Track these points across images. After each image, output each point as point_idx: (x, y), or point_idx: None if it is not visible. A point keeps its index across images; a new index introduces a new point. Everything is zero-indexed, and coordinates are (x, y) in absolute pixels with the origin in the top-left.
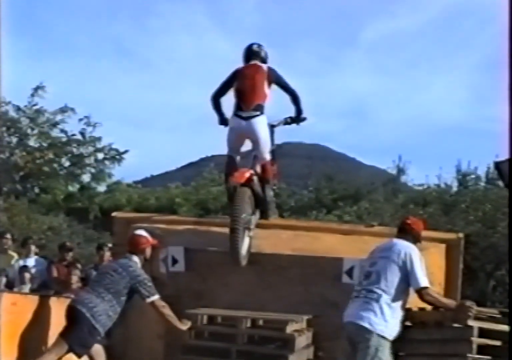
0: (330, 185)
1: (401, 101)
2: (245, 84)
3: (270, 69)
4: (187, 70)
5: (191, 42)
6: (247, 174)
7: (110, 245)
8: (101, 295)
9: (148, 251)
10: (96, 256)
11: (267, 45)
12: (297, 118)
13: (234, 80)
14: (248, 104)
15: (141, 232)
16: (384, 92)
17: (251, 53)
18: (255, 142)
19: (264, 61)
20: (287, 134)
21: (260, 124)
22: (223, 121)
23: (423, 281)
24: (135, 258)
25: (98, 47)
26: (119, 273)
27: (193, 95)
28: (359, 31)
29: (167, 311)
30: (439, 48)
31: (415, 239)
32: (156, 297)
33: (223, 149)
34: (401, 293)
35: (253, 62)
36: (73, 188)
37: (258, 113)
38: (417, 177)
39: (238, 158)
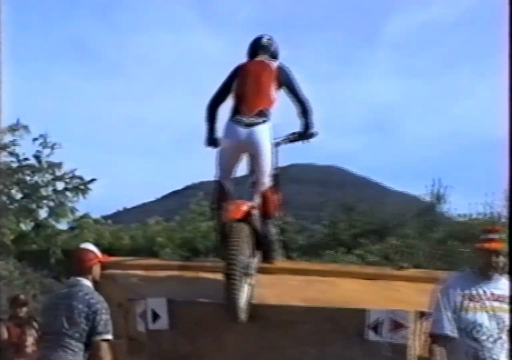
0: (349, 218)
1: (435, 111)
2: (248, 83)
3: (280, 68)
4: (166, 75)
5: (171, 41)
6: (245, 208)
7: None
8: (63, 345)
9: (97, 270)
10: None
11: None
12: (305, 134)
13: (235, 79)
14: (250, 108)
15: (88, 246)
16: (413, 99)
17: (258, 47)
18: (255, 158)
19: (274, 57)
20: (295, 154)
21: (263, 134)
22: (212, 141)
23: None
24: (86, 282)
25: (54, 49)
26: (76, 307)
27: (174, 107)
28: (381, 24)
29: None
30: (481, 44)
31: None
32: (109, 337)
33: (213, 174)
34: None
35: (260, 58)
36: (26, 226)
37: (261, 120)
38: (459, 205)
39: (229, 184)
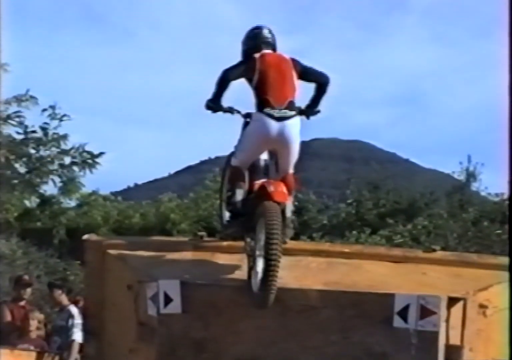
0: (375, 196)
1: (469, 82)
2: (272, 75)
3: (293, 59)
4: (179, 42)
5: (184, 5)
6: (284, 190)
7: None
8: None
9: None
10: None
11: (287, 8)
12: (310, 110)
13: (253, 70)
14: (279, 99)
15: None
16: (445, 69)
17: (261, 41)
18: (284, 153)
19: (274, 50)
20: (318, 128)
21: (296, 128)
22: (215, 105)
23: None
24: None
25: (61, 13)
26: None
27: (189, 77)
28: None
29: None
30: None
31: None
32: None
33: (231, 148)
34: None
35: (266, 51)
36: (31, 203)
37: (293, 113)
38: (493, 184)
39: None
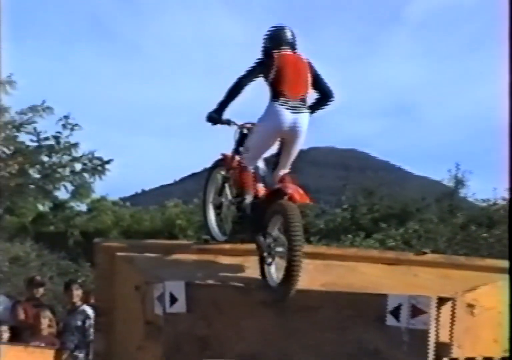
0: (369, 202)
1: (458, 94)
2: (289, 71)
3: (310, 63)
4: (185, 57)
5: (190, 23)
6: (302, 191)
7: (80, 280)
8: None
9: None
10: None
11: (286, 22)
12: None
13: (271, 68)
14: (294, 91)
15: None
16: (435, 82)
17: (282, 41)
18: (291, 145)
19: (294, 50)
20: (316, 137)
21: (306, 123)
22: (216, 117)
23: None
24: None
25: (72, 28)
26: None
27: (193, 89)
28: (403, 4)
29: None
30: (503, 27)
31: None
32: None
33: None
34: None
35: (285, 51)
36: (44, 207)
37: (306, 107)
38: (480, 190)
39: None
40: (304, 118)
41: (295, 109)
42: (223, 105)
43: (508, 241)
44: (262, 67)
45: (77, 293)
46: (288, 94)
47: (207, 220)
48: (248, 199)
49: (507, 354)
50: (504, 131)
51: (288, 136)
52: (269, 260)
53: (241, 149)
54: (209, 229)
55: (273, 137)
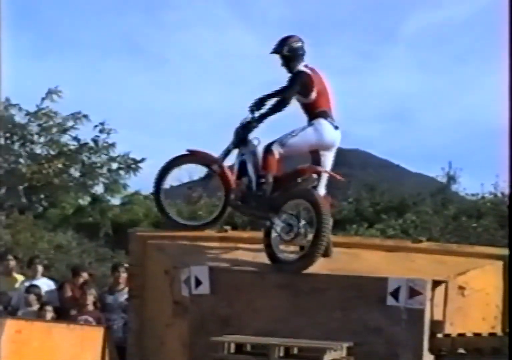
0: (372, 196)
1: (449, 102)
2: (326, 92)
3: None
4: (207, 68)
5: (212, 38)
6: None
7: (126, 265)
8: None
9: None
10: (110, 278)
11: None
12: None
13: (311, 89)
14: (331, 111)
15: None
16: (429, 91)
17: (302, 53)
18: (326, 156)
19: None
20: None
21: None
22: (256, 125)
23: None
24: None
25: (106, 44)
26: None
27: (215, 97)
28: (399, 23)
29: None
30: (491, 40)
31: None
32: None
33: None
34: None
35: (309, 66)
36: (84, 201)
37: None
38: (470, 186)
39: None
40: (340, 135)
41: (337, 127)
42: (264, 118)
43: (508, 230)
44: (302, 86)
45: (123, 275)
46: (329, 114)
47: (162, 207)
48: (270, 180)
49: (494, 331)
50: (504, 131)
51: (326, 150)
52: (289, 236)
53: (274, 140)
54: (167, 214)
55: (313, 148)
